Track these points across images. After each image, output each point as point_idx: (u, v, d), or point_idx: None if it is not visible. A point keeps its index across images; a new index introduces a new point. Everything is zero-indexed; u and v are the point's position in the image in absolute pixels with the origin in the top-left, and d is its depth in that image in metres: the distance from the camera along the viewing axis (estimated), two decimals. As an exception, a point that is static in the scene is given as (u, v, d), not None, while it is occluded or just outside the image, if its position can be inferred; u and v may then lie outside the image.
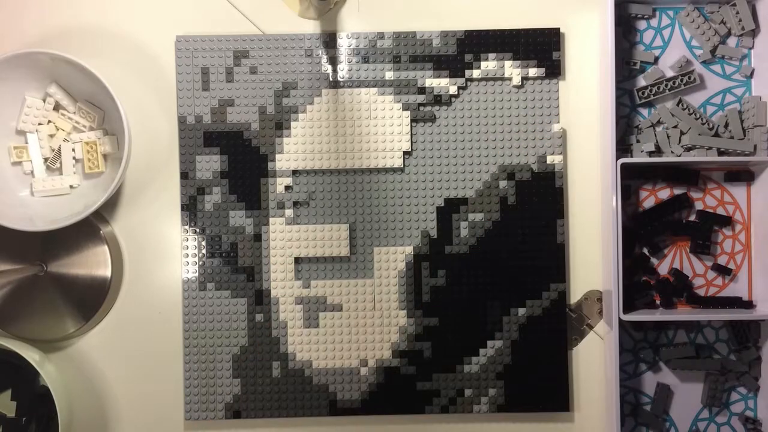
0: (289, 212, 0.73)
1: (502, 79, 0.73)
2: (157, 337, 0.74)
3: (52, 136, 0.72)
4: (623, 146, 0.73)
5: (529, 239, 0.73)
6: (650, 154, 0.73)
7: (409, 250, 0.73)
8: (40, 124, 0.72)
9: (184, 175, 0.74)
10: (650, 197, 0.74)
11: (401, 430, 0.74)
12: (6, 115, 0.71)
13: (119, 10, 0.75)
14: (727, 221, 0.73)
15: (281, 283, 0.73)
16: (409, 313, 0.73)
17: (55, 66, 0.69)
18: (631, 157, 0.73)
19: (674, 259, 0.74)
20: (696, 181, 0.73)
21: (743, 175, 0.74)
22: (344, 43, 0.74)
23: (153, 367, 0.74)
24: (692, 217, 0.74)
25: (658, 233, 0.73)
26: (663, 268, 0.74)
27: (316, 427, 0.74)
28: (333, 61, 0.74)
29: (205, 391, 0.73)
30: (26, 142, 0.72)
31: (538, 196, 0.73)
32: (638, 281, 0.74)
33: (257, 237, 0.73)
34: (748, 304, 0.73)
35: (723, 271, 0.73)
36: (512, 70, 0.73)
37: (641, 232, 0.73)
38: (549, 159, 0.73)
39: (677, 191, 0.74)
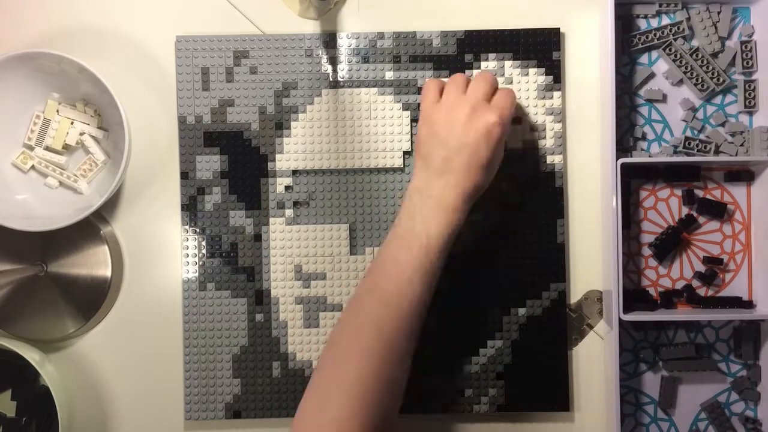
0: (289, 212, 0.73)
1: (502, 79, 0.73)
2: (157, 337, 0.74)
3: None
4: (623, 146, 0.73)
5: (529, 239, 0.73)
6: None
7: (409, 250, 0.73)
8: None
9: (184, 175, 0.74)
10: (650, 197, 0.74)
11: (401, 430, 0.74)
12: (5, 116, 0.71)
13: (119, 11, 0.75)
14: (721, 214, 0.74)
15: (281, 283, 0.73)
16: (409, 313, 0.73)
17: (54, 66, 0.69)
18: (631, 156, 0.73)
19: (674, 257, 0.74)
20: (698, 176, 0.73)
21: (743, 174, 0.74)
22: (344, 43, 0.74)
23: (153, 367, 0.74)
24: (693, 211, 0.74)
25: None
26: (663, 269, 0.74)
27: (316, 427, 0.74)
28: (333, 61, 0.74)
29: (205, 391, 0.73)
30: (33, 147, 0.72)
31: (538, 196, 0.73)
32: (638, 281, 0.74)
33: (257, 237, 0.73)
34: (748, 304, 0.73)
35: (713, 271, 0.74)
36: (512, 70, 0.73)
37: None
38: (549, 159, 0.73)
39: (677, 191, 0.74)
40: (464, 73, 0.73)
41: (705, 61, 0.73)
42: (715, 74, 0.73)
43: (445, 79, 0.70)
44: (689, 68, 0.73)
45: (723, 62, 0.73)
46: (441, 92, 0.67)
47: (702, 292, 0.74)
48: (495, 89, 0.67)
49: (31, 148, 0.72)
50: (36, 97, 0.72)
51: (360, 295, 0.64)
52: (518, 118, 0.73)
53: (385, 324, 0.60)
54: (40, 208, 0.71)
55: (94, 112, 0.73)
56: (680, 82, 0.74)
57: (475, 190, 0.64)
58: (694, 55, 0.73)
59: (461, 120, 0.63)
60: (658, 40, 0.73)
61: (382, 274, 0.63)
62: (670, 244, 0.73)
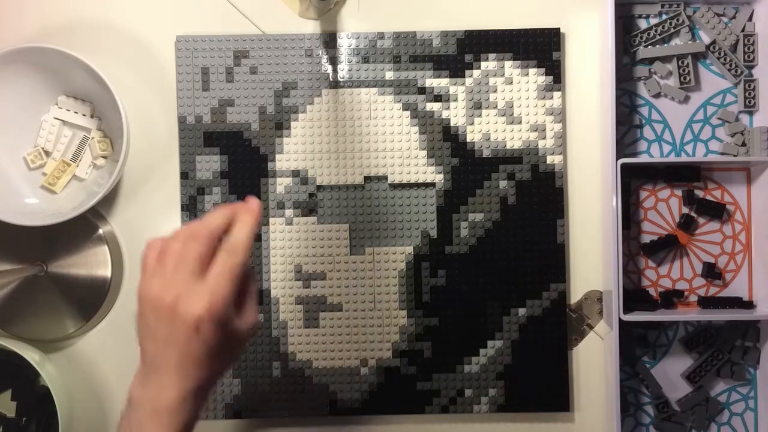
0: (289, 212, 0.73)
1: (502, 79, 0.73)
2: (157, 337, 0.74)
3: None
4: (623, 146, 0.73)
5: (529, 239, 0.73)
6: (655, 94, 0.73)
7: (409, 250, 0.73)
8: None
9: (184, 175, 0.74)
10: (650, 197, 0.74)
11: (401, 430, 0.74)
12: (5, 112, 0.71)
13: (119, 10, 0.75)
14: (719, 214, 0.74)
15: (281, 283, 0.73)
16: (409, 313, 0.73)
17: (55, 63, 0.69)
18: (631, 156, 0.73)
19: (674, 258, 0.74)
20: (698, 176, 0.73)
21: (743, 174, 0.74)
22: (344, 43, 0.74)
23: (153, 367, 0.74)
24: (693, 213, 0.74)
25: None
26: (663, 269, 0.74)
27: (316, 427, 0.74)
28: (333, 61, 0.74)
29: (205, 391, 0.73)
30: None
31: (538, 196, 0.73)
32: (638, 281, 0.74)
33: (257, 237, 0.73)
34: (748, 304, 0.73)
35: (714, 275, 0.74)
36: (512, 70, 0.73)
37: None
38: (549, 159, 0.73)
39: (677, 191, 0.74)
40: (463, 73, 0.73)
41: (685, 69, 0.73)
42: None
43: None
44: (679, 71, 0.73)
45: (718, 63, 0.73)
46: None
47: (702, 292, 0.74)
48: (219, 238, 0.54)
49: (44, 152, 0.72)
50: (35, 92, 0.71)
51: None
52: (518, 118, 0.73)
53: None
54: (39, 204, 0.71)
55: (93, 111, 0.73)
56: (659, 95, 0.74)
57: (200, 386, 0.52)
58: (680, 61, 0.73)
59: (166, 307, 0.52)
60: (659, 35, 0.73)
61: None
62: (663, 244, 0.73)
